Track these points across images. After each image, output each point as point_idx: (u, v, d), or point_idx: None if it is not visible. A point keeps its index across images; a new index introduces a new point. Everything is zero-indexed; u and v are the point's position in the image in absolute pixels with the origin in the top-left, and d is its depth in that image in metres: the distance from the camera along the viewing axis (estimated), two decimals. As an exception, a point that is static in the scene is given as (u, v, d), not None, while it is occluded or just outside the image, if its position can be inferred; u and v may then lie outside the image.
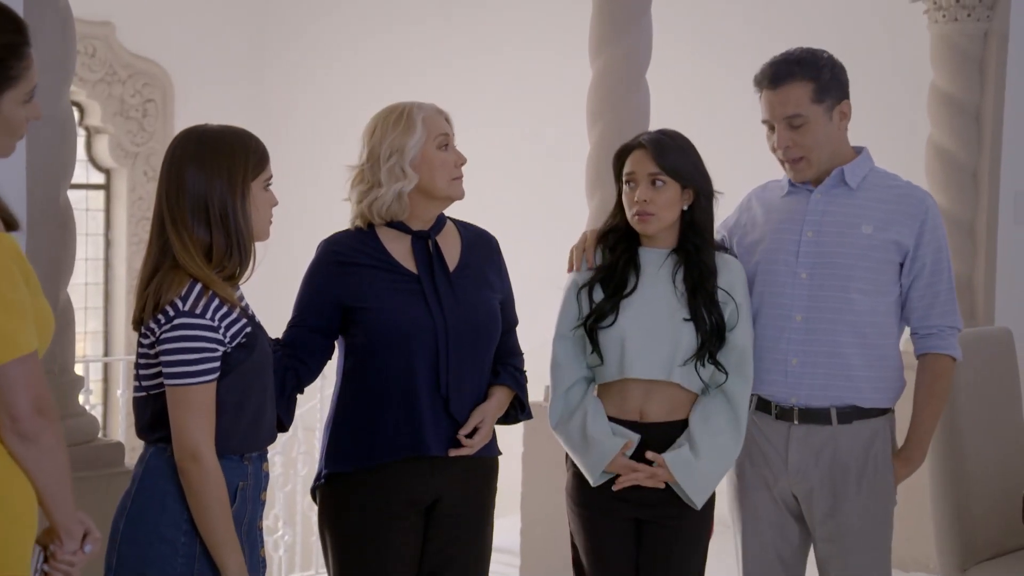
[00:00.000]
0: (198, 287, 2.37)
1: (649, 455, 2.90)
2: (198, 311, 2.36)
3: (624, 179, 2.95)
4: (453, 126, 2.86)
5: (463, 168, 2.86)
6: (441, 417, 2.78)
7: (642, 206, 2.89)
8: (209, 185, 2.41)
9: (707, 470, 2.89)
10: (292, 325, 2.84)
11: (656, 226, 2.91)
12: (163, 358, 2.37)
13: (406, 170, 2.77)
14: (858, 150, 3.06)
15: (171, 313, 2.36)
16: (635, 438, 2.91)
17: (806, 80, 2.94)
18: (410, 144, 2.77)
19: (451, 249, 2.88)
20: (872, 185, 3.02)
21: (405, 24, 8.10)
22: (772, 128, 3.00)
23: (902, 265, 3.00)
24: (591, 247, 3.02)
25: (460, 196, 2.85)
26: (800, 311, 2.98)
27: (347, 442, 2.81)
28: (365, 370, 2.80)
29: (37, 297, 2.07)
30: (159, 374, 2.40)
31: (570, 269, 3.05)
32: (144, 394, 2.45)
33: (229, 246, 2.43)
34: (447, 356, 2.77)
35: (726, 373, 2.92)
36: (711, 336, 2.89)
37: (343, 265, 2.80)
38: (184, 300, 2.36)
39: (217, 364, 2.38)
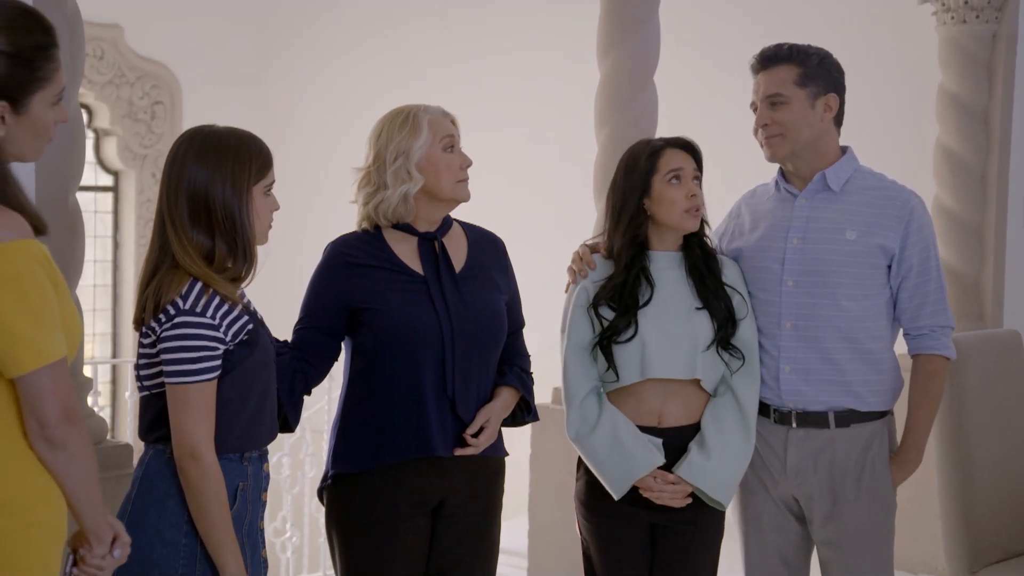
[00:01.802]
0: (199, 286, 2.38)
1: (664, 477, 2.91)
2: (199, 309, 2.37)
3: (667, 176, 2.92)
4: (459, 128, 2.87)
5: (469, 170, 2.87)
6: (448, 418, 2.79)
7: (694, 201, 2.91)
8: (211, 186, 2.41)
9: (721, 469, 2.89)
10: (299, 327, 2.85)
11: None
12: (163, 356, 2.38)
13: (412, 172, 2.79)
14: (843, 150, 3.07)
15: (172, 312, 2.37)
16: (657, 443, 2.92)
17: (792, 64, 2.99)
18: (416, 146, 2.79)
19: (457, 250, 2.89)
20: (856, 188, 3.02)
21: (410, 25, 8.11)
22: (756, 109, 3.04)
23: (890, 267, 3.00)
24: (587, 255, 3.02)
25: (466, 198, 2.86)
26: (789, 318, 2.99)
27: (354, 443, 2.82)
28: (372, 371, 2.80)
29: (65, 302, 2.08)
30: (160, 374, 2.41)
31: (568, 288, 3.05)
32: (147, 394, 2.46)
33: (232, 249, 2.43)
34: (453, 357, 2.78)
35: (743, 358, 2.93)
36: (725, 321, 2.92)
37: (350, 266, 2.81)
38: (184, 299, 2.37)
39: (218, 363, 2.39)
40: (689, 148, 2.97)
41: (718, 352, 2.92)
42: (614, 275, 2.95)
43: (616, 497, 2.92)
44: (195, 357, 2.37)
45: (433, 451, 2.77)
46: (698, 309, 2.92)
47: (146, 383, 2.45)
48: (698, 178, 2.96)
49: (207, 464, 2.37)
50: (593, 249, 3.04)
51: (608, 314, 2.93)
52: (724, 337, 2.92)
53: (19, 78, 2.04)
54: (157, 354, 2.40)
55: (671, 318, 2.92)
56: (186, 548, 2.39)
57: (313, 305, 2.84)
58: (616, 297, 2.93)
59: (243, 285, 2.49)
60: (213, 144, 2.44)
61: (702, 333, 2.91)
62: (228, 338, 2.41)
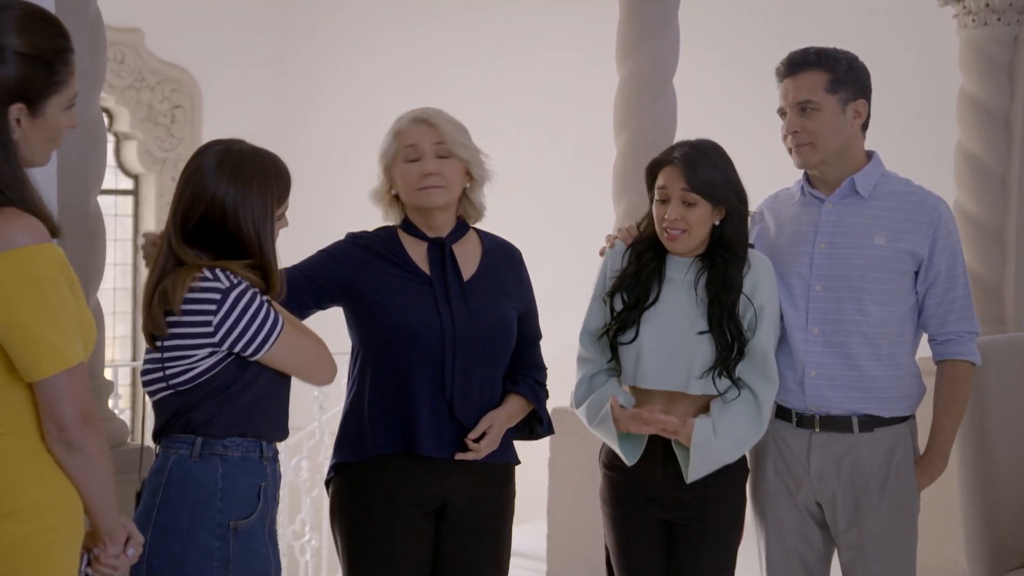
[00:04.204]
0: (217, 269, 2.39)
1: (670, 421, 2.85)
2: (235, 280, 2.40)
3: (656, 194, 2.93)
4: (441, 130, 2.82)
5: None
6: (444, 420, 2.80)
7: (673, 223, 2.88)
8: (242, 208, 2.43)
9: (719, 452, 2.86)
10: (292, 268, 2.80)
11: (686, 244, 2.90)
12: (244, 336, 2.39)
13: (380, 172, 2.88)
14: (869, 155, 3.05)
15: (218, 297, 2.38)
16: (629, 401, 2.92)
17: (822, 70, 2.96)
18: (383, 151, 2.87)
19: (469, 257, 2.91)
20: (884, 193, 3.01)
21: (429, 28, 8.12)
22: (785, 116, 3.02)
23: (917, 273, 2.99)
24: (633, 229, 3.02)
25: (429, 205, 2.84)
26: (817, 323, 2.97)
27: (351, 434, 2.85)
28: (370, 366, 2.83)
29: (81, 305, 2.09)
30: (192, 368, 2.41)
31: (603, 252, 3.05)
32: (169, 392, 2.45)
33: (255, 267, 2.46)
34: (453, 359, 2.78)
35: (739, 390, 2.89)
36: (728, 349, 2.87)
37: (363, 248, 2.86)
38: (217, 279, 2.38)
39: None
40: (681, 166, 2.87)
41: (714, 380, 2.88)
42: (629, 265, 2.96)
43: (623, 454, 2.91)
44: (266, 314, 2.41)
45: (419, 449, 2.77)
46: (701, 333, 2.88)
47: (173, 381, 2.44)
48: (690, 197, 2.85)
49: (331, 363, 2.56)
50: (630, 232, 3.04)
51: (619, 306, 2.94)
52: (726, 366, 2.87)
53: (37, 81, 2.05)
54: (220, 341, 2.39)
55: (672, 331, 2.90)
56: (220, 551, 2.41)
57: (316, 261, 2.85)
58: (629, 288, 2.93)
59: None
60: (244, 163, 2.45)
61: (700, 355, 2.87)
62: None
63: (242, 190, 2.42)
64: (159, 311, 2.40)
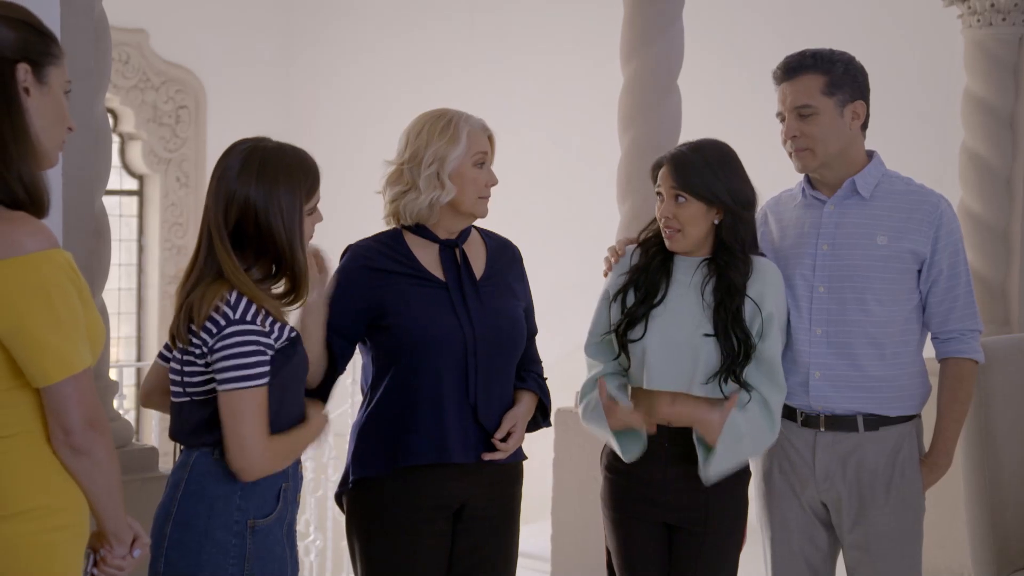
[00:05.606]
0: (245, 298, 2.40)
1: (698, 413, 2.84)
2: (248, 318, 2.39)
3: (656, 192, 2.95)
4: (495, 146, 2.88)
5: (492, 189, 2.88)
6: (469, 424, 2.80)
7: (667, 221, 2.90)
8: (270, 207, 2.43)
9: (744, 443, 2.85)
10: None
11: (683, 243, 2.90)
12: (218, 365, 2.39)
13: (444, 180, 2.79)
14: (869, 155, 3.05)
15: (222, 323, 2.38)
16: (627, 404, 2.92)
17: (818, 73, 2.96)
18: (452, 155, 2.79)
19: (477, 258, 2.90)
20: (885, 192, 3.01)
21: (434, 30, 8.13)
22: (784, 120, 3.01)
23: (920, 272, 2.99)
24: (622, 245, 3.04)
25: (483, 215, 2.88)
26: (820, 324, 2.97)
27: (375, 448, 2.83)
28: (393, 377, 2.81)
29: (89, 310, 2.09)
30: (209, 380, 2.42)
31: (607, 273, 3.05)
32: (188, 399, 2.47)
33: (276, 272, 2.46)
34: (476, 364, 2.78)
35: (750, 392, 2.90)
36: (735, 354, 2.87)
37: (373, 271, 2.82)
38: (234, 309, 2.39)
39: (268, 368, 2.40)
40: (668, 166, 2.90)
41: (720, 385, 2.87)
42: (640, 260, 2.97)
43: (625, 458, 2.91)
44: (249, 363, 2.38)
45: (450, 457, 2.77)
46: (706, 336, 2.88)
47: (190, 389, 2.46)
48: (680, 195, 2.87)
49: (265, 467, 2.40)
50: (631, 242, 3.05)
51: (631, 301, 2.94)
52: (733, 371, 2.87)
53: (35, 43, 2.05)
54: (210, 363, 2.41)
55: (678, 332, 2.89)
56: (236, 548, 2.41)
57: (334, 309, 2.80)
58: (638, 283, 2.94)
59: (295, 307, 2.51)
60: (272, 163, 2.45)
61: (704, 358, 2.87)
62: (274, 344, 2.43)
63: (269, 189, 2.43)
64: (184, 321, 2.42)
